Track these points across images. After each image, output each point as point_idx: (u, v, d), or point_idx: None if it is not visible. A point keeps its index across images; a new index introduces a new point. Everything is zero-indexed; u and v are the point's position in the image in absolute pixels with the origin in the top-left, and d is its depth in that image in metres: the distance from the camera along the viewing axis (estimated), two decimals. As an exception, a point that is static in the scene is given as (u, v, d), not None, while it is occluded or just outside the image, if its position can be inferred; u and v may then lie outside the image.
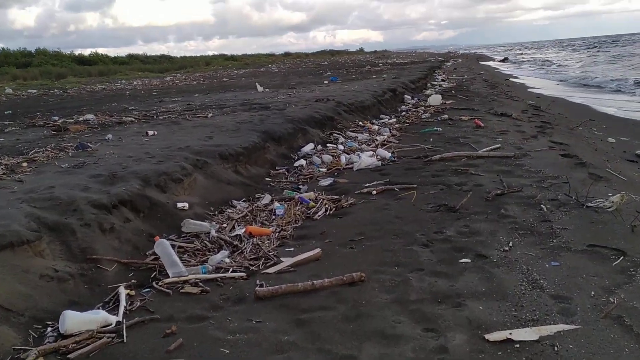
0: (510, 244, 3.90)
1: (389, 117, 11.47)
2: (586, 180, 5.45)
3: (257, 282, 3.58)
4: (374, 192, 5.66)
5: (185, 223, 4.57)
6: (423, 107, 12.42)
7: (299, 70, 34.55)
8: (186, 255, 4.12)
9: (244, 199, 5.68)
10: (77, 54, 55.23)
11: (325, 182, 6.27)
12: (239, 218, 4.97)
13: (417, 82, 17.80)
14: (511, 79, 24.62)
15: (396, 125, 10.29)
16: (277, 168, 7.01)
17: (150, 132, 7.48)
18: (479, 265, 3.59)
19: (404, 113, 12.03)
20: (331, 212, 5.17)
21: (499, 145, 7.51)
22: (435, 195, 5.34)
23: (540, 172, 5.90)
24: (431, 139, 8.60)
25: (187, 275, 3.66)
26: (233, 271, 3.80)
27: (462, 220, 4.52)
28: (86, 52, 59.75)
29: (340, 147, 8.25)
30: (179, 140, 7.03)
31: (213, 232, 4.47)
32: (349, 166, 7.04)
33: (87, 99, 16.71)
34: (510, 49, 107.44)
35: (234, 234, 4.53)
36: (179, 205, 4.88)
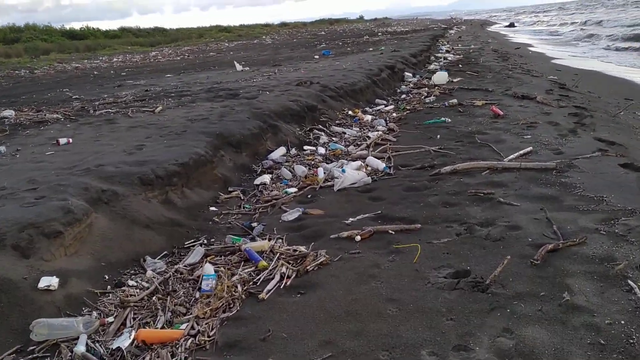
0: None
1: (385, 103, 9.53)
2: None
3: None
4: (358, 237, 3.82)
5: (35, 327, 2.74)
6: (427, 88, 10.45)
7: (292, 42, 32.33)
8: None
9: (165, 252, 3.85)
10: (68, 28, 53.19)
11: (292, 214, 4.42)
12: (139, 300, 3.15)
13: (419, 55, 15.71)
14: (522, 47, 22.40)
15: (394, 115, 8.35)
16: (229, 189, 5.14)
17: (63, 141, 5.61)
18: None
19: (403, 96, 10.07)
20: (290, 281, 3.33)
21: (530, 147, 5.61)
22: (450, 248, 3.49)
23: (603, 199, 4.02)
24: (438, 135, 6.71)
25: None
26: None
27: (500, 315, 2.68)
28: (78, 26, 57.49)
29: (321, 150, 6.36)
30: (95, 153, 5.16)
31: (81, 348, 2.64)
32: (329, 183, 5.17)
33: (44, 82, 14.73)
34: (515, 13, 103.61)
35: (116, 344, 2.71)
36: (42, 283, 3.04)
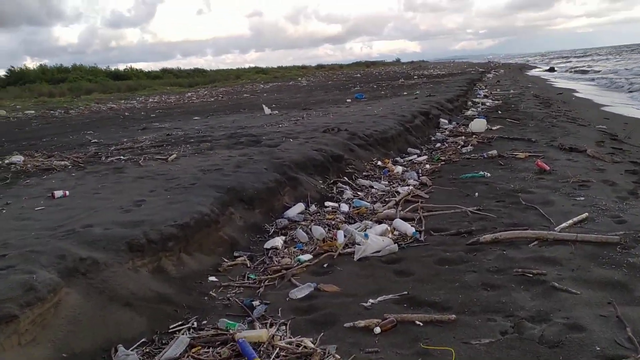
0: None
1: (418, 152, 8.86)
2: None
3: None
4: (378, 329, 3.11)
5: None
6: (463, 137, 9.74)
7: (327, 85, 32.24)
8: None
9: (144, 338, 3.20)
10: (112, 69, 55.13)
11: (301, 291, 3.74)
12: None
13: (456, 100, 15.06)
14: (565, 93, 21.49)
15: (427, 166, 7.66)
16: (235, 254, 4.51)
17: (59, 193, 5.12)
18: None
19: (438, 145, 9.39)
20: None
21: (586, 214, 4.82)
22: (493, 354, 2.75)
23: (686, 291, 3.21)
24: (476, 193, 5.97)
25: None
26: None
27: None
28: (122, 67, 59.60)
29: (344, 207, 5.71)
30: (89, 209, 4.63)
31: None
32: (349, 249, 4.49)
33: (73, 123, 14.66)
34: (553, 58, 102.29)
35: None
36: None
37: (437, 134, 10.57)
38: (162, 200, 4.84)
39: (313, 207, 5.68)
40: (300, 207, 5.56)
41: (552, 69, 52.51)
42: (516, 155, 7.83)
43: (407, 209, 5.52)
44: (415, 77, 33.31)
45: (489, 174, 6.81)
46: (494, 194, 5.91)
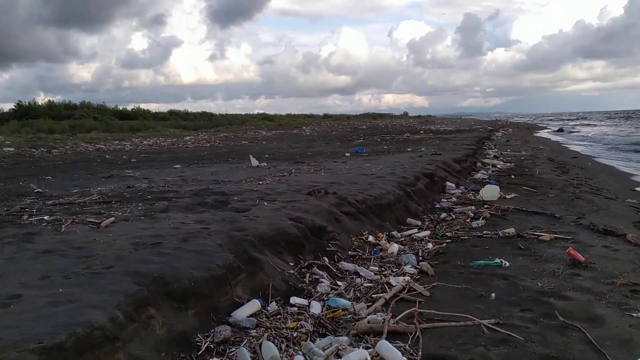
0: None
1: (419, 224, 7.43)
2: None
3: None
4: None
5: None
6: (473, 207, 8.31)
7: (330, 135, 31.25)
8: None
9: None
10: (120, 108, 54.63)
11: None
12: None
13: (464, 160, 13.73)
14: (580, 157, 20.17)
15: (429, 246, 6.21)
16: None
17: None
18: None
19: (443, 215, 7.95)
20: None
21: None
22: None
23: None
24: (492, 294, 4.50)
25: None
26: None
27: None
28: (129, 106, 59.21)
29: (315, 307, 4.24)
30: None
31: None
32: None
33: (41, 165, 13.35)
34: (561, 120, 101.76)
35: None
36: None
37: (443, 200, 9.17)
38: (46, 296, 3.38)
39: (273, 305, 4.20)
40: (254, 305, 4.08)
41: (561, 130, 51.72)
42: (539, 236, 6.38)
43: (400, 316, 4.04)
44: (421, 132, 32.29)
45: (507, 263, 5.35)
46: (517, 297, 4.44)
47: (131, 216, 5.92)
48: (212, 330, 3.69)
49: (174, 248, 4.56)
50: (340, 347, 3.44)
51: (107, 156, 16.15)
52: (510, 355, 3.37)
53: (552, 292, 4.51)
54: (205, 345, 3.49)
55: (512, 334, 3.67)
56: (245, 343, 3.57)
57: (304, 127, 47.40)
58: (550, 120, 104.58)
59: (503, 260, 5.41)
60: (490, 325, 3.82)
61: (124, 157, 15.98)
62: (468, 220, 7.44)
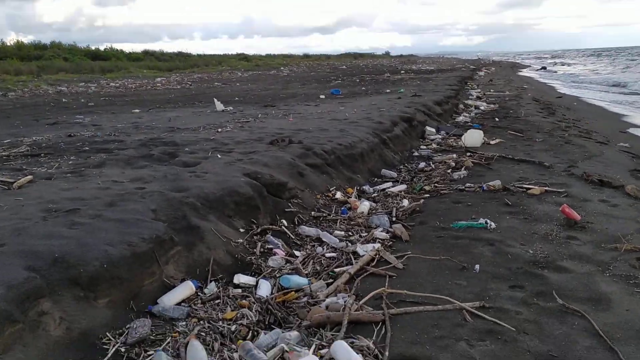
0: None
1: (395, 176, 6.67)
2: None
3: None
4: None
5: None
6: (454, 155, 7.55)
7: (308, 76, 29.98)
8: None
9: None
10: (92, 49, 52.04)
11: None
12: None
13: (445, 102, 12.86)
14: (565, 97, 19.41)
15: (405, 202, 5.46)
16: None
17: None
18: None
19: (422, 165, 7.19)
20: None
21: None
22: None
23: None
24: (477, 266, 3.80)
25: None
26: None
27: None
28: (102, 46, 56.46)
29: (264, 287, 3.50)
30: None
31: None
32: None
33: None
34: (544, 57, 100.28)
35: None
36: None
37: (422, 147, 8.39)
38: None
39: (212, 287, 3.44)
40: (186, 289, 3.32)
41: (544, 68, 50.85)
42: (527, 189, 5.67)
43: (366, 298, 3.32)
44: (402, 71, 31.14)
45: (493, 225, 4.64)
46: (506, 269, 3.74)
47: (56, 173, 5.04)
48: (128, 326, 2.92)
49: (93, 216, 3.73)
50: (286, 349, 2.71)
51: (64, 99, 14.93)
52: (499, 355, 2.68)
53: (546, 261, 3.82)
54: (114, 349, 2.73)
55: (501, 322, 2.98)
56: (168, 343, 2.82)
57: (281, 68, 45.79)
58: (533, 58, 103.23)
59: (488, 221, 4.70)
60: (473, 310, 3.12)
61: (82, 100, 14.79)
62: (449, 171, 6.70)
